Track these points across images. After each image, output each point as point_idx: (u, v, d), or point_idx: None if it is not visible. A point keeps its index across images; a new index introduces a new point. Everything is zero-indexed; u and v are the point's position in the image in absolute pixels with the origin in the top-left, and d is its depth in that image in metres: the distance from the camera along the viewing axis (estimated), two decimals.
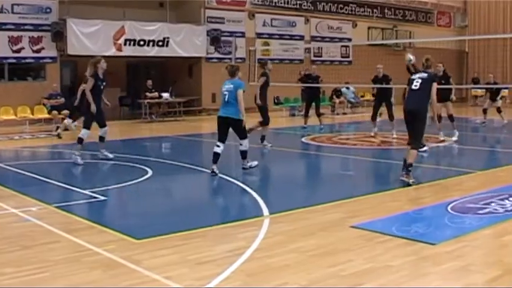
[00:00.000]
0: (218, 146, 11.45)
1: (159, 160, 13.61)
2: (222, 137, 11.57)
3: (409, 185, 10.08)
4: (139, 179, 10.91)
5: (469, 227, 7.41)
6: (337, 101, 28.64)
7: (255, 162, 12.00)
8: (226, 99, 11.40)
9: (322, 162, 14.43)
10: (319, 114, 20.29)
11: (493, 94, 22.00)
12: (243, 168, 11.83)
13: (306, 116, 20.57)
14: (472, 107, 33.14)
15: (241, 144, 11.73)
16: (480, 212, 8.23)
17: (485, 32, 36.88)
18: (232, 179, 10.94)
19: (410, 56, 12.91)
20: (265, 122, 15.28)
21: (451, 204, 8.61)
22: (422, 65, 11.16)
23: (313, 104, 20.42)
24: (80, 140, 12.71)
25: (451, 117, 16.69)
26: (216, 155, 11.39)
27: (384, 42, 32.73)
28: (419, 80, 10.53)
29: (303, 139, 17.34)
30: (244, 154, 11.81)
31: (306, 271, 5.77)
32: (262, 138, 15.36)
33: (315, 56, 31.57)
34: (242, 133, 11.65)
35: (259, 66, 15.99)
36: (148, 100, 24.52)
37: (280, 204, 8.97)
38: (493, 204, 8.66)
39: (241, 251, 6.36)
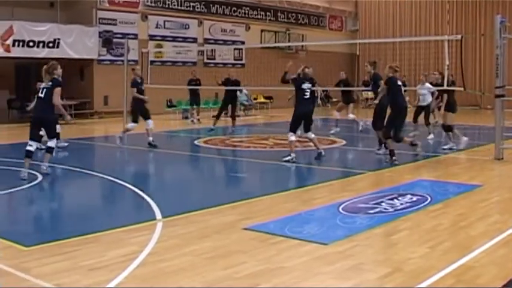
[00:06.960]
0: None
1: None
2: None
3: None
4: (29, 184, 10.57)
5: (360, 227, 7.57)
6: None
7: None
8: None
9: (215, 164, 14.43)
10: (234, 117, 20.47)
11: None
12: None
13: (218, 118, 20.29)
14: (364, 109, 34.03)
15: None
16: (371, 211, 8.43)
17: (375, 36, 37.96)
18: (125, 183, 10.78)
19: None
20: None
21: (342, 205, 8.77)
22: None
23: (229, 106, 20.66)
24: None
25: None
26: None
27: (277, 45, 33.13)
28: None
29: (196, 142, 17.30)
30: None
31: (201, 274, 5.75)
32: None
33: (208, 58, 31.58)
34: None
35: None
36: None
37: (174, 207, 8.90)
38: (383, 203, 8.88)
39: (135, 256, 6.26)
